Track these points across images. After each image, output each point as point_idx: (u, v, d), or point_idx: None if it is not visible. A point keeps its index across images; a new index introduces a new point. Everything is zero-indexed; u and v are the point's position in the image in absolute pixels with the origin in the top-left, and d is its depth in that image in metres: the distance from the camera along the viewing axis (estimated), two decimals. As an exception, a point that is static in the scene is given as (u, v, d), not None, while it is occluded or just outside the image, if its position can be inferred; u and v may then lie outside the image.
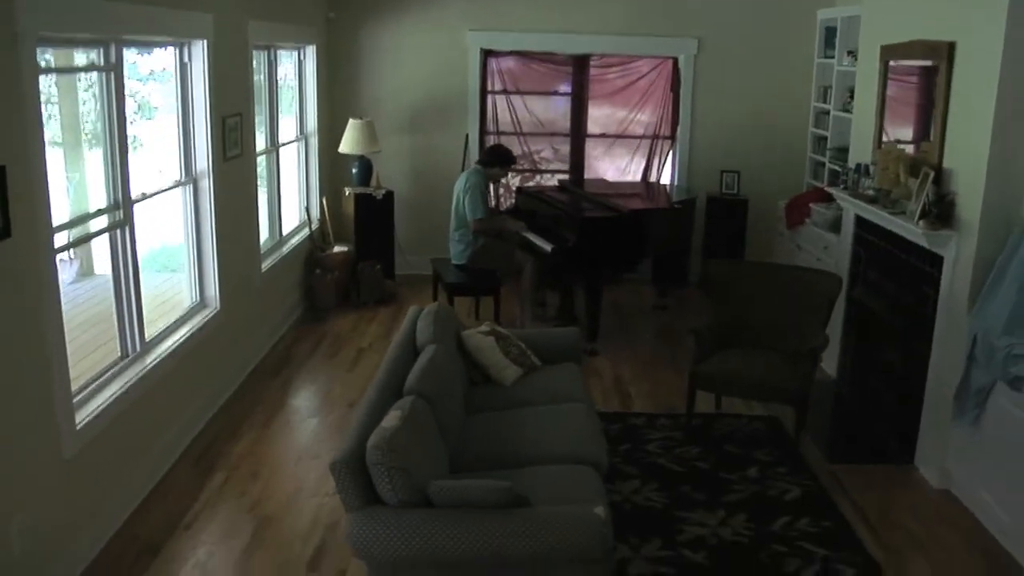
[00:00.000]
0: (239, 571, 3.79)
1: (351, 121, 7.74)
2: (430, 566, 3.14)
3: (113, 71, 4.18)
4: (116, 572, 3.75)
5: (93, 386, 4.03)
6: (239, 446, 4.94)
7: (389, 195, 7.83)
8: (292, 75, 7.49)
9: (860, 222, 6.00)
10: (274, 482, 4.54)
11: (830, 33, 7.49)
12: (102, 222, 4.20)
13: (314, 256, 7.52)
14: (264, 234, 6.55)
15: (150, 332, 4.63)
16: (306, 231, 7.56)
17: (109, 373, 4.22)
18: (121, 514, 4.12)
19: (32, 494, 3.40)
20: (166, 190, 4.99)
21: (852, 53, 6.90)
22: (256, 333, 6.20)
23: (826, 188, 6.49)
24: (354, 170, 7.83)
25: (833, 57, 7.31)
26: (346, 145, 7.72)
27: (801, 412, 4.98)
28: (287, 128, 7.38)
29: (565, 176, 8.45)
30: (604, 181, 8.20)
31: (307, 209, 7.71)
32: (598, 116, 8.54)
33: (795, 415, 5.02)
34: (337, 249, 7.58)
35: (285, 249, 6.94)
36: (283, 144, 7.11)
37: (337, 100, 8.19)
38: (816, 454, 5.00)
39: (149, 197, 4.71)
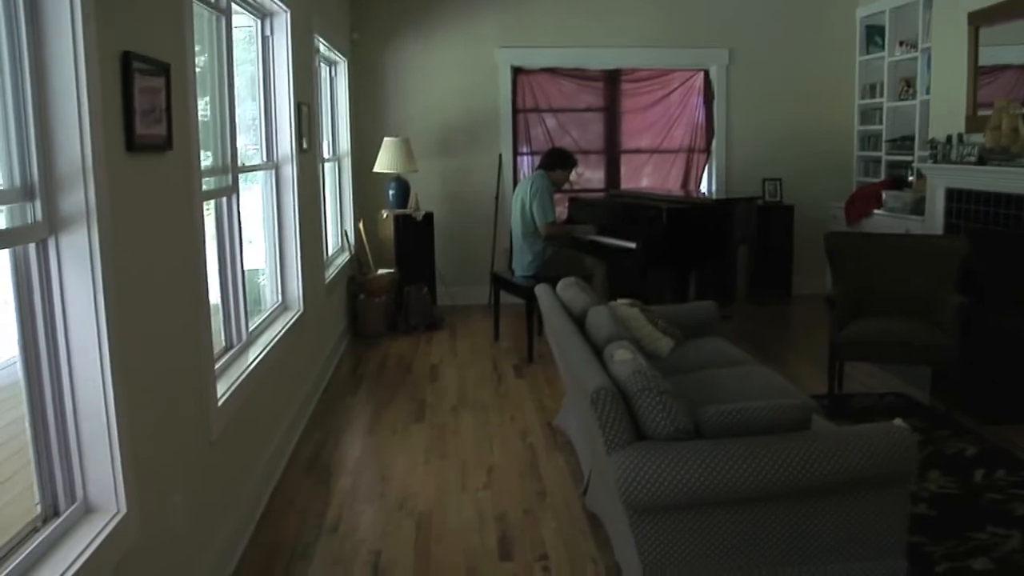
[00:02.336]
0: (422, 567, 3.18)
1: (386, 140, 7.31)
2: (711, 504, 2.63)
3: (224, 15, 3.69)
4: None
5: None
6: (351, 451, 4.36)
7: (429, 216, 7.37)
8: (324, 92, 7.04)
9: (953, 195, 5.79)
10: (412, 481, 3.95)
11: (872, 30, 7.42)
12: (209, 183, 3.65)
13: (357, 281, 6.96)
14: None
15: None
16: (346, 255, 7.01)
17: (221, 362, 3.62)
18: (249, 519, 3.48)
19: (189, 473, 2.79)
20: (257, 168, 4.46)
21: (904, 43, 6.80)
22: (322, 349, 5.61)
23: (919, 166, 6.25)
24: (391, 191, 7.36)
25: (880, 51, 7.23)
26: (382, 164, 7.28)
27: (951, 373, 4.70)
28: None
29: (601, 193, 8.10)
30: (648, 190, 7.87)
31: (345, 232, 7.18)
32: (632, 131, 8.26)
33: (931, 380, 4.85)
34: (381, 272, 7.04)
35: (331, 271, 6.38)
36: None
37: (365, 121, 7.75)
38: (961, 418, 4.65)
39: (247, 170, 4.18)
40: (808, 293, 8.10)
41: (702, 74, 8.18)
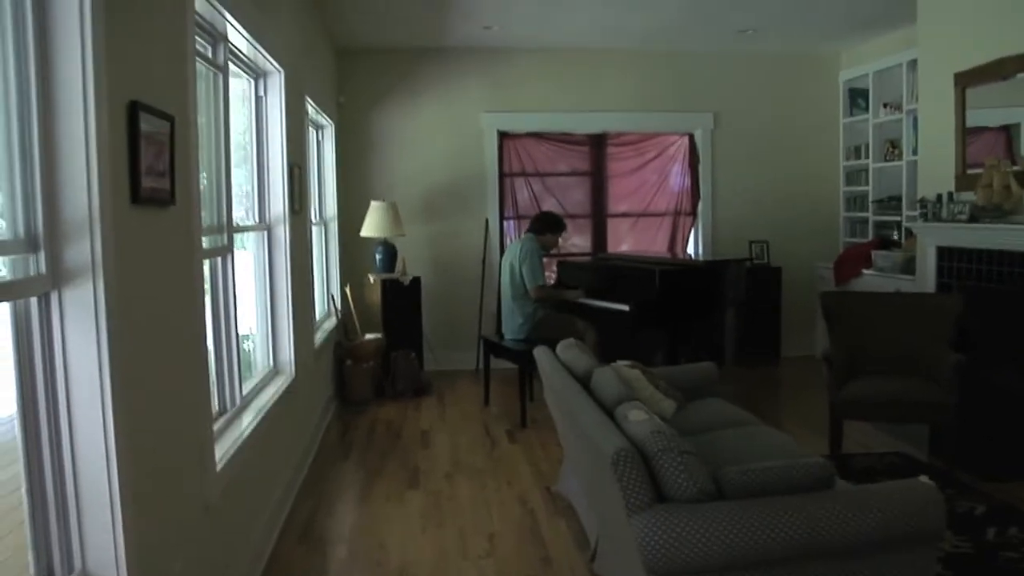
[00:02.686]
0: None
1: (373, 204, 7.28)
2: (735, 569, 2.50)
3: (221, 72, 3.66)
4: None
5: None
6: (346, 519, 4.20)
7: (416, 281, 7.30)
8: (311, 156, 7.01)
9: (944, 253, 5.80)
10: (410, 550, 3.81)
11: (855, 93, 7.54)
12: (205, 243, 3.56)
13: (344, 347, 6.85)
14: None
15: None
16: (333, 319, 6.90)
17: (216, 426, 3.49)
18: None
19: (187, 541, 2.65)
20: (250, 229, 4.39)
21: (888, 105, 6.91)
22: (312, 415, 5.47)
23: (910, 225, 6.27)
24: (377, 256, 7.30)
25: (864, 113, 7.34)
26: (369, 228, 7.23)
27: (949, 431, 4.67)
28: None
29: (588, 257, 8.08)
30: (636, 253, 7.87)
31: (332, 297, 7.09)
32: (618, 195, 8.29)
33: (928, 439, 4.87)
34: (368, 337, 6.93)
35: (319, 336, 6.26)
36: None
37: (351, 185, 7.73)
38: (961, 476, 4.60)
39: (242, 230, 4.11)
40: (797, 355, 8.08)
41: (687, 138, 8.25)
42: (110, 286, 2.02)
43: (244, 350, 4.61)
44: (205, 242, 3.38)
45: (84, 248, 1.98)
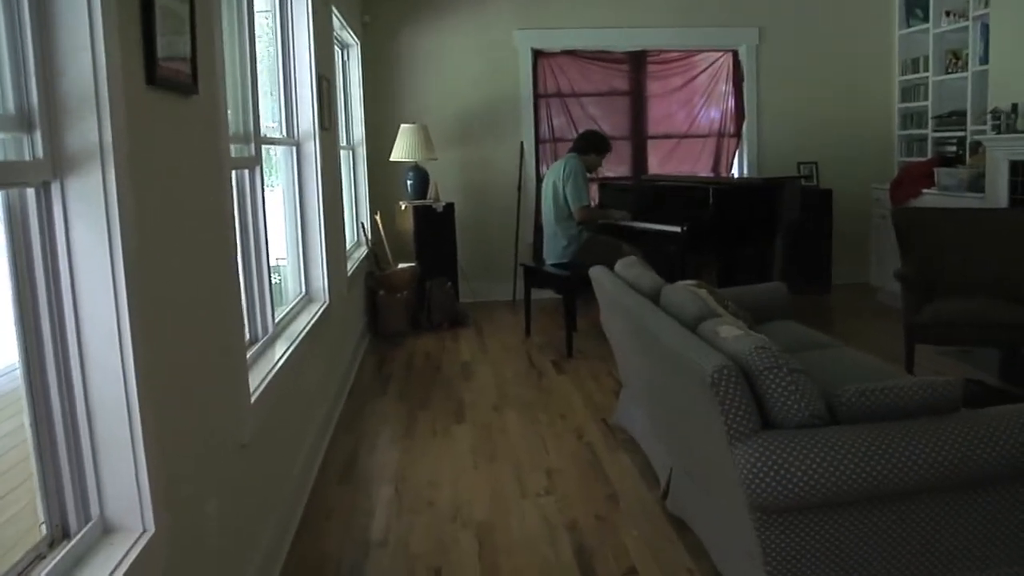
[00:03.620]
0: (491, 582, 2.73)
1: (403, 127, 6.88)
2: (851, 502, 2.17)
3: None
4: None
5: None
6: (389, 456, 3.90)
7: (450, 207, 6.93)
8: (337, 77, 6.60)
9: (1019, 168, 5.38)
10: (462, 488, 3.51)
11: (912, 2, 7.02)
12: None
13: (375, 277, 6.52)
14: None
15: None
16: (363, 249, 6.56)
17: (248, 355, 3.16)
18: (286, 531, 3.03)
19: (222, 482, 2.34)
20: (278, 142, 4.03)
21: (951, 13, 6.39)
22: (346, 348, 5.16)
23: (980, 138, 5.81)
24: (408, 181, 6.93)
25: (922, 23, 6.83)
26: (399, 152, 6.85)
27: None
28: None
29: (625, 181, 7.66)
30: (682, 174, 7.45)
31: (362, 224, 6.74)
32: (659, 116, 7.84)
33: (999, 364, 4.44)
34: (401, 267, 6.59)
35: (350, 264, 5.92)
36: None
37: (379, 108, 7.31)
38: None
39: (270, 143, 3.74)
40: (848, 283, 7.67)
41: (731, 54, 7.76)
42: (122, 178, 1.67)
43: (275, 280, 4.29)
44: (232, 150, 3.03)
45: (91, 129, 1.62)
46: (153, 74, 1.89)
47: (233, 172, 3.15)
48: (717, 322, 2.67)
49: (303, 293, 4.31)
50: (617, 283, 3.55)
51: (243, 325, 2.68)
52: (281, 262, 4.34)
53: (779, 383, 2.18)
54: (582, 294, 5.58)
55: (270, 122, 4.16)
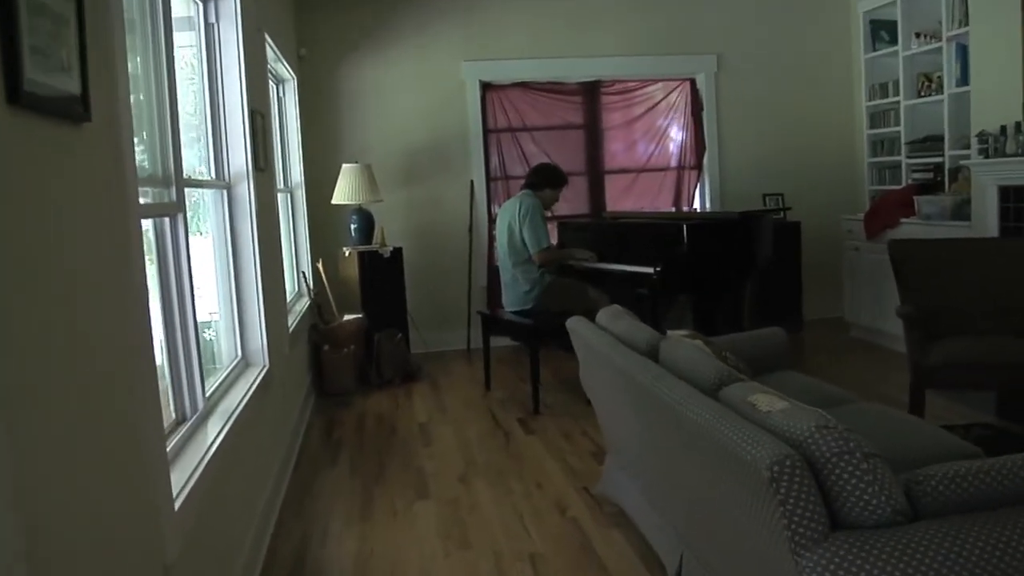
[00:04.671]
0: None
1: (345, 167, 6.38)
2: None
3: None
4: None
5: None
6: (346, 548, 3.33)
7: (397, 252, 6.41)
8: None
9: (1009, 193, 5.08)
10: (434, 585, 2.95)
11: (877, 24, 6.77)
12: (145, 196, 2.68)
13: (319, 330, 5.96)
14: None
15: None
16: (305, 300, 6.00)
17: (173, 443, 2.60)
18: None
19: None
20: (205, 184, 3.49)
21: (922, 34, 6.15)
22: (290, 413, 4.60)
23: (967, 163, 5.50)
24: (352, 225, 6.41)
25: (889, 46, 6.58)
26: (341, 194, 6.33)
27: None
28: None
29: (587, 218, 7.25)
30: (643, 211, 7.07)
31: (303, 274, 6.18)
32: (616, 149, 7.46)
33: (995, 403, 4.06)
34: (347, 319, 6.04)
35: (292, 319, 5.36)
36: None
37: (318, 147, 6.80)
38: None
39: (195, 185, 3.21)
40: (819, 318, 7.34)
41: (689, 83, 7.43)
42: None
43: (208, 337, 3.73)
44: (146, 196, 2.51)
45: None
46: (18, 90, 1.36)
47: (150, 221, 2.63)
48: (744, 388, 2.20)
49: (239, 357, 3.75)
50: (603, 337, 3.08)
51: (159, 413, 2.12)
52: (214, 316, 3.79)
53: (852, 473, 1.71)
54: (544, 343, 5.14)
55: (196, 164, 3.62)
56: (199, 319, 3.69)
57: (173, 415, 2.82)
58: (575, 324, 3.41)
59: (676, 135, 7.45)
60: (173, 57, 2.82)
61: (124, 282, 1.88)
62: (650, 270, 5.08)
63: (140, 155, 2.68)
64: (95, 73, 1.69)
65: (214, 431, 2.85)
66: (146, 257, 2.75)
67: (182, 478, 2.36)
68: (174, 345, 2.80)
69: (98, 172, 1.76)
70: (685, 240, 5.04)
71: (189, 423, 2.81)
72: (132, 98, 2.05)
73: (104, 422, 1.72)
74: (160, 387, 2.85)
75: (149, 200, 2.68)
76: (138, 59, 2.64)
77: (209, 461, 2.58)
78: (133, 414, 1.91)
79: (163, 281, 2.76)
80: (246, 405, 3.21)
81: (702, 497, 2.23)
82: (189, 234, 2.90)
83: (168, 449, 2.45)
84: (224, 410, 3.09)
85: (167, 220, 2.76)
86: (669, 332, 3.51)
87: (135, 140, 2.65)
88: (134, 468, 1.88)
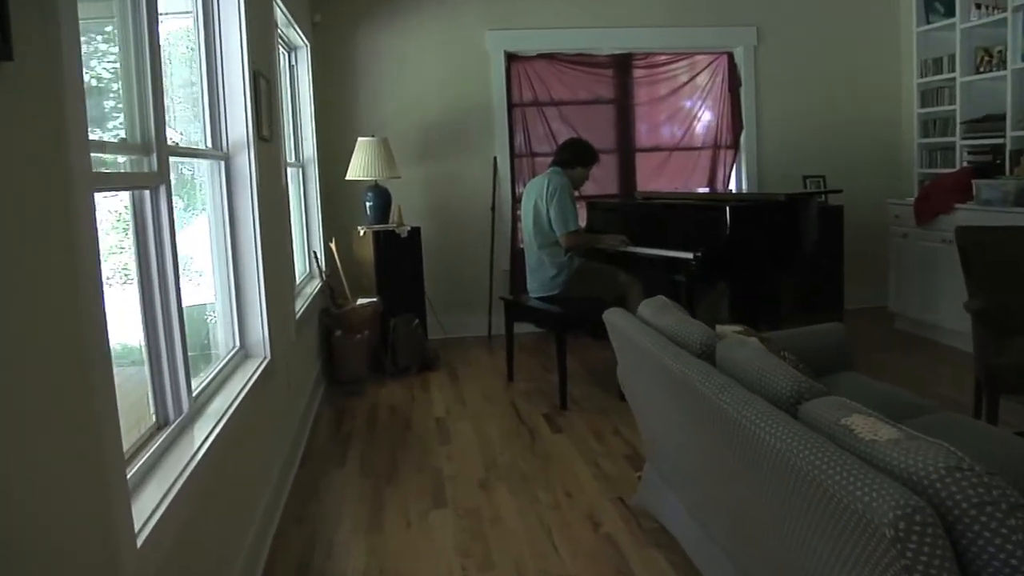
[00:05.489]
0: None
1: (360, 141, 5.98)
2: None
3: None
4: None
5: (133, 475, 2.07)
6: (354, 563, 2.95)
7: (415, 232, 6.03)
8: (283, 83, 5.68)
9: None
10: (451, 614, 2.58)
11: (932, -5, 6.28)
12: (118, 166, 2.30)
13: (331, 315, 5.58)
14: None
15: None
16: (316, 282, 5.63)
17: (147, 455, 2.23)
18: None
19: None
20: (198, 154, 3.11)
21: (982, 5, 5.67)
22: (296, 406, 4.23)
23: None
24: (368, 203, 6.02)
25: (944, 19, 6.10)
26: (356, 170, 5.94)
27: None
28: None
29: (616, 200, 6.83)
30: (679, 192, 6.64)
31: (315, 254, 5.81)
32: (648, 126, 7.03)
33: None
34: (361, 302, 5.67)
35: (300, 303, 4.98)
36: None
37: (332, 120, 6.41)
38: None
39: (182, 154, 2.83)
40: (860, 307, 6.91)
41: (726, 57, 6.98)
42: None
43: (206, 323, 3.36)
44: (119, 166, 2.14)
45: None
46: None
47: (127, 194, 2.25)
48: (831, 406, 1.80)
49: (237, 347, 3.39)
50: (648, 334, 2.67)
51: (117, 432, 1.74)
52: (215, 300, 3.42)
53: (997, 531, 1.32)
54: (594, 328, 4.75)
55: (186, 130, 3.24)
56: (203, 303, 3.35)
57: (154, 418, 2.46)
58: (614, 317, 3.01)
59: (711, 112, 7.01)
60: (156, 5, 2.42)
61: (69, 270, 1.50)
62: (689, 255, 4.67)
63: (114, 118, 2.31)
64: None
65: (201, 435, 2.49)
66: (122, 235, 2.38)
67: (156, 496, 2.00)
68: (155, 338, 2.44)
69: (26, 130, 1.37)
70: (728, 224, 4.63)
71: (172, 427, 2.44)
72: (107, 54, 1.66)
73: (41, 449, 1.34)
74: (138, 386, 2.50)
75: (127, 170, 2.31)
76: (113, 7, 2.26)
77: (193, 471, 2.22)
78: (84, 434, 1.53)
79: (142, 265, 2.39)
80: (242, 403, 2.85)
81: (771, 530, 1.83)
82: (175, 210, 2.52)
83: (140, 464, 2.10)
84: (216, 410, 2.72)
85: (147, 193, 2.37)
86: (718, 327, 3.12)
87: (106, 100, 2.27)
88: (83, 504, 1.51)
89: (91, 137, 1.65)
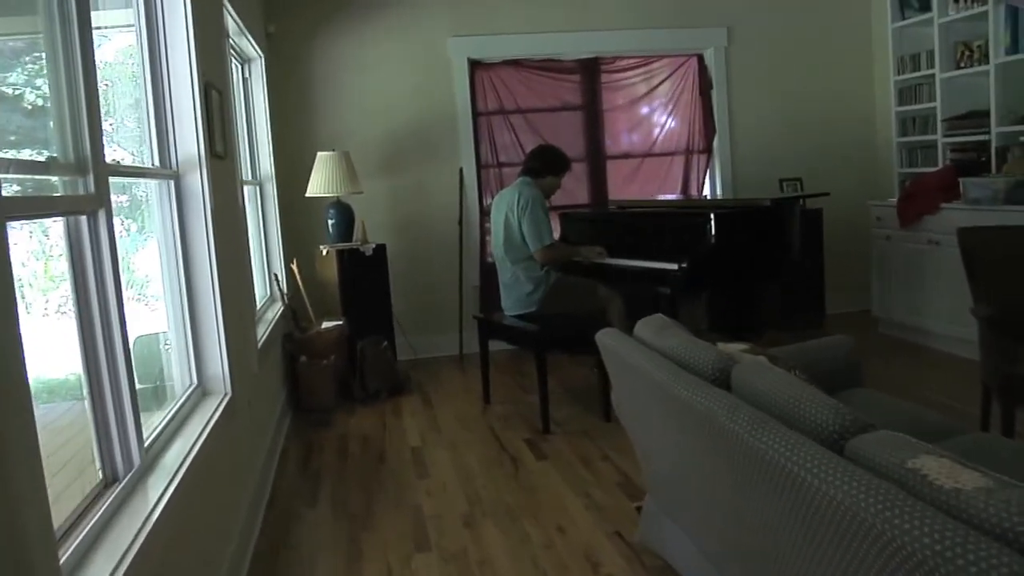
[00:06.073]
0: None
1: (320, 155, 5.69)
2: None
3: None
4: None
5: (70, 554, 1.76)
6: (330, 624, 2.65)
7: (380, 249, 5.74)
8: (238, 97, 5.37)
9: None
10: None
11: (906, -10, 6.14)
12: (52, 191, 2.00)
13: (295, 340, 5.27)
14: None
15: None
16: (278, 306, 5.31)
17: (92, 521, 1.93)
18: None
19: None
20: (144, 173, 2.80)
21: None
22: (260, 443, 3.92)
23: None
24: (330, 220, 5.72)
25: (920, 14, 5.95)
26: (317, 186, 5.64)
27: None
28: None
29: (591, 210, 6.60)
30: (655, 200, 6.42)
31: (276, 276, 5.49)
32: (617, 132, 6.81)
33: None
34: (326, 326, 5.36)
35: (262, 329, 4.66)
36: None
37: (290, 135, 6.10)
38: None
39: (126, 174, 2.53)
40: (842, 311, 6.73)
41: (696, 59, 6.79)
42: None
43: (164, 347, 3.05)
44: (50, 187, 1.84)
45: None
46: None
47: (62, 219, 1.96)
48: (888, 443, 1.55)
49: (194, 385, 3.07)
50: (651, 358, 2.42)
51: (45, 505, 1.44)
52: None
53: None
54: (576, 347, 4.51)
55: (139, 151, 2.93)
56: (161, 331, 3.04)
57: (100, 475, 2.15)
58: (608, 339, 2.75)
59: (683, 117, 6.80)
60: (88, 10, 2.13)
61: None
62: (673, 266, 4.44)
63: (38, 133, 2.01)
64: None
65: (156, 493, 2.18)
66: (49, 268, 2.09)
67: (108, 563, 1.70)
68: (98, 382, 2.13)
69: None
70: (712, 231, 4.41)
71: (121, 485, 2.14)
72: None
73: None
74: (80, 435, 2.20)
75: (60, 192, 2.01)
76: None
77: (148, 538, 1.92)
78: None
79: (80, 299, 2.08)
80: (201, 449, 2.54)
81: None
82: (129, 233, 2.22)
83: (83, 535, 1.80)
84: (172, 461, 2.41)
85: (83, 219, 2.07)
86: (720, 346, 2.87)
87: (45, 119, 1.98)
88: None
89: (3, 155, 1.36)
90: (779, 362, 2.76)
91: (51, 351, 2.20)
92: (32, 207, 1.84)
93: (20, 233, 2.19)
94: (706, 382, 2.16)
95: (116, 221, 2.95)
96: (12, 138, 2.01)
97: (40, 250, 2.27)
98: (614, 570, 2.86)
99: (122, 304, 2.17)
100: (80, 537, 1.81)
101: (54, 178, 2.01)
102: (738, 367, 2.23)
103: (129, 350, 2.21)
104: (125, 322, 2.19)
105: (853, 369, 3.13)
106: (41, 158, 1.97)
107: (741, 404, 1.90)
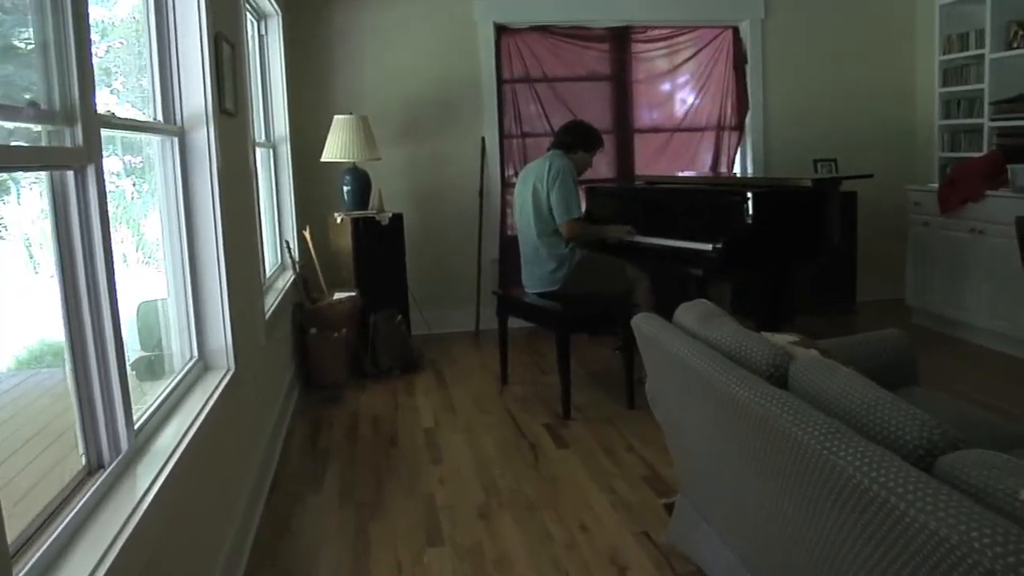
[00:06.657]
0: None
1: (337, 119, 5.44)
2: None
3: None
4: None
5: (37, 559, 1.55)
6: (334, 624, 2.44)
7: (397, 219, 5.50)
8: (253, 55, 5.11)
9: None
10: None
11: (958, -35, 5.81)
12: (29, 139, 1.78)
13: (305, 310, 5.05)
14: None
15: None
16: (289, 274, 5.09)
17: (71, 514, 1.71)
18: None
19: None
20: (142, 127, 2.57)
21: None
22: (265, 422, 3.71)
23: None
24: (345, 187, 5.49)
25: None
26: (333, 151, 5.40)
27: None
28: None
29: (618, 185, 6.33)
30: (686, 176, 6.15)
31: (287, 244, 5.27)
32: (647, 105, 6.53)
33: None
34: (338, 296, 5.14)
35: (271, 299, 4.44)
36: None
37: (306, 96, 5.86)
38: None
39: (120, 127, 2.30)
40: (874, 299, 6.48)
41: (731, 31, 6.49)
42: None
43: (157, 322, 2.84)
44: (31, 138, 1.61)
45: None
46: None
47: (44, 174, 1.73)
48: (988, 466, 1.32)
49: (194, 359, 2.86)
50: (697, 350, 2.17)
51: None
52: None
53: None
54: (601, 327, 4.30)
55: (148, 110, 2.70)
56: (152, 297, 2.83)
57: (83, 461, 1.94)
58: (646, 324, 2.51)
59: (715, 91, 6.52)
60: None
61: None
62: (707, 247, 4.19)
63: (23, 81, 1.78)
64: None
65: (145, 481, 1.97)
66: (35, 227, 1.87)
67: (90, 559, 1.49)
68: (83, 358, 1.91)
69: None
70: (750, 211, 4.15)
71: (107, 472, 1.92)
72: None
73: None
74: (64, 414, 1.99)
75: (45, 142, 1.78)
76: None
77: (135, 530, 1.71)
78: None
79: (65, 263, 1.86)
80: (199, 431, 2.33)
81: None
82: (137, 192, 2.00)
83: (60, 529, 1.59)
84: (165, 445, 2.19)
85: (70, 175, 1.84)
86: (764, 335, 2.63)
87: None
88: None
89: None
90: (831, 356, 2.52)
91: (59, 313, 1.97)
92: (10, 158, 1.60)
93: (31, 192, 1.99)
94: (761, 379, 1.92)
95: (127, 182, 2.74)
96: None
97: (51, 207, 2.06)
98: (642, 575, 2.64)
99: (112, 271, 1.95)
100: (56, 534, 1.59)
101: (37, 127, 1.78)
102: (796, 364, 2.00)
103: (119, 323, 1.99)
104: (115, 291, 1.97)
105: (908, 366, 2.88)
106: (20, 106, 1.74)
107: (808, 409, 1.66)
